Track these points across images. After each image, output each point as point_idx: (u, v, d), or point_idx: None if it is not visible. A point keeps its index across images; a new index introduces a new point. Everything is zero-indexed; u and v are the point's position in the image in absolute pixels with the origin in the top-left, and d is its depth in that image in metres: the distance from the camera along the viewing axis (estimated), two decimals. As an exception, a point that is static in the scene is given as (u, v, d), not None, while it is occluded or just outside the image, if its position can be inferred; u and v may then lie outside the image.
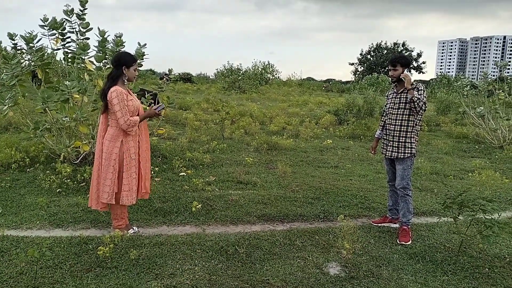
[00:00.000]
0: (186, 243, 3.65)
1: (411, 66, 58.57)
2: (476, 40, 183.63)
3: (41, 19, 5.52)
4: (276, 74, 37.35)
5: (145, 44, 5.92)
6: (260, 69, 34.51)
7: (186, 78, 32.92)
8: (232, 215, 4.44)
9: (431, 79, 43.17)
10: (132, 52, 5.33)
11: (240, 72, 30.28)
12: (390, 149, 4.14)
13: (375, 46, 65.32)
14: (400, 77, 4.01)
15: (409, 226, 4.07)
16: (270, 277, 3.14)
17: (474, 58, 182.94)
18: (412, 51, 63.98)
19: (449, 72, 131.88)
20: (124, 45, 5.70)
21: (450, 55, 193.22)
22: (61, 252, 3.38)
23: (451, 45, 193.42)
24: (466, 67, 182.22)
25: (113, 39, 5.71)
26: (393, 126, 4.11)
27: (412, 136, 4.04)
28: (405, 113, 4.02)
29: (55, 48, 5.67)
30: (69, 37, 5.70)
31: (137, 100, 3.78)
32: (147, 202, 4.57)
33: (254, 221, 4.34)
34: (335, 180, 6.10)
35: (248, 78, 27.37)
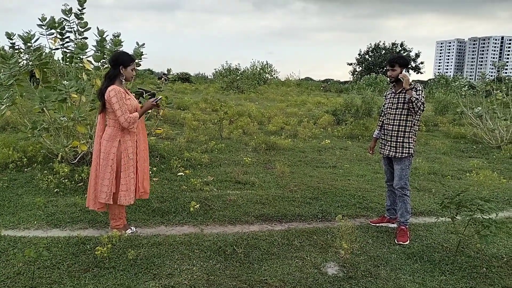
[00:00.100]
0: (184, 243, 3.64)
1: (409, 66, 58.64)
2: (474, 41, 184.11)
3: (39, 19, 5.51)
4: (274, 74, 37.39)
5: (143, 44, 5.91)
6: (258, 69, 34.51)
7: (184, 78, 32.89)
8: (230, 215, 4.43)
9: (429, 79, 43.28)
10: (130, 51, 5.33)
11: (238, 72, 30.27)
12: (388, 149, 4.15)
13: (373, 46, 65.37)
14: (399, 77, 4.02)
15: (407, 226, 4.08)
16: (268, 277, 3.14)
17: (472, 58, 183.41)
18: (410, 51, 64.04)
19: (447, 72, 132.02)
20: (122, 45, 5.70)
21: (448, 56, 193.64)
22: (59, 252, 3.38)
23: (449, 46, 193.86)
24: (464, 67, 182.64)
25: (111, 39, 5.70)
26: (391, 126, 4.12)
27: (410, 136, 4.05)
28: (403, 113, 4.03)
29: (53, 48, 5.66)
30: (68, 36, 5.70)
31: (135, 100, 3.77)
32: (145, 202, 4.57)
33: (252, 221, 4.33)
34: (333, 180, 6.10)
35: (246, 78, 27.35)
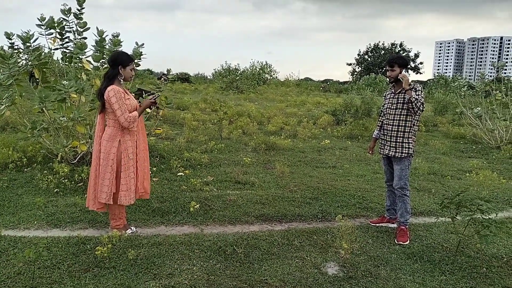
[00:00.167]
0: (184, 243, 3.64)
1: (409, 66, 58.69)
2: (473, 41, 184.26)
3: (38, 19, 5.51)
4: (274, 74, 37.38)
5: (143, 44, 5.91)
6: (258, 69, 34.50)
7: (184, 78, 32.87)
8: (230, 215, 4.43)
9: (429, 80, 43.30)
10: (130, 51, 5.33)
11: (238, 72, 30.26)
12: (388, 149, 4.15)
13: (372, 47, 65.42)
14: (398, 77, 4.02)
15: (407, 226, 4.08)
16: (268, 277, 3.14)
17: (472, 58, 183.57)
18: (410, 52, 64.11)
19: (446, 72, 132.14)
20: (122, 45, 5.70)
21: (448, 56, 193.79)
22: (59, 252, 3.37)
23: (449, 46, 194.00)
24: (463, 67, 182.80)
25: (110, 39, 5.70)
26: (390, 126, 4.12)
27: (410, 136, 4.05)
28: (402, 113, 4.03)
29: (52, 48, 5.66)
30: (67, 36, 5.69)
31: (134, 100, 3.77)
32: (145, 202, 4.57)
33: (252, 221, 4.33)
34: (333, 180, 6.11)
35: (246, 78, 27.35)
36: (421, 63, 64.33)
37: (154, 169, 6.01)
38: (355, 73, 63.62)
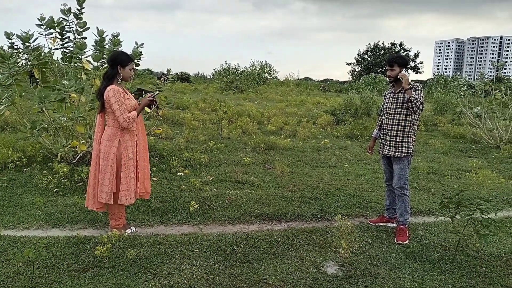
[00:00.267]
0: (184, 243, 3.64)
1: (408, 66, 58.64)
2: (473, 41, 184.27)
3: (37, 18, 5.50)
4: (274, 74, 37.36)
5: (142, 44, 5.90)
6: (257, 69, 34.48)
7: (184, 77, 32.85)
8: (229, 214, 4.44)
9: (428, 79, 43.30)
10: (130, 51, 5.33)
11: (237, 72, 30.24)
12: (387, 148, 4.15)
13: (372, 46, 65.39)
14: (398, 77, 4.02)
15: (406, 226, 4.08)
16: (268, 277, 3.14)
17: (471, 58, 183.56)
18: (409, 51, 64.07)
19: (446, 72, 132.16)
20: (122, 45, 5.70)
21: (447, 55, 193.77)
22: (59, 252, 3.37)
23: (448, 45, 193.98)
24: (463, 67, 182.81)
25: (110, 39, 5.70)
26: (390, 126, 4.12)
27: (410, 135, 4.06)
28: (402, 112, 4.03)
29: (52, 48, 5.66)
30: (67, 36, 5.69)
31: (134, 100, 3.77)
32: (144, 202, 4.57)
33: (252, 221, 4.34)
34: (332, 179, 6.11)
35: (245, 78, 27.33)
36: (420, 62, 64.31)
37: (154, 168, 6.01)
38: (355, 72, 63.59)
